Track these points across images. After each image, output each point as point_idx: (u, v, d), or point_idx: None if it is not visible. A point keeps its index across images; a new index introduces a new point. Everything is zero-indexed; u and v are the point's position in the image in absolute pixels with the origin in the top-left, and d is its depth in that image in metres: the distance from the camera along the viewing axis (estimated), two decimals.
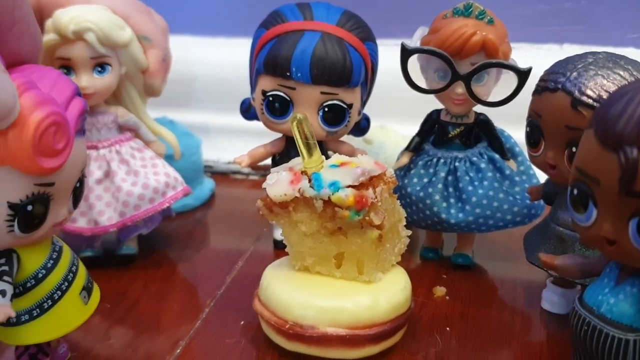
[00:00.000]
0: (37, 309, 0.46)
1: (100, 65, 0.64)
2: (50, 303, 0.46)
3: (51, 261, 0.47)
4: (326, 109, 0.64)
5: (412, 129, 0.69)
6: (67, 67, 0.64)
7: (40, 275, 0.46)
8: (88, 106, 0.64)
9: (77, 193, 0.47)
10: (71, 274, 0.48)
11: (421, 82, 0.65)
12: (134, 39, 0.66)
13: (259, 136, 0.71)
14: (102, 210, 0.65)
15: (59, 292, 0.47)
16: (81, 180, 0.47)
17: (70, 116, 0.43)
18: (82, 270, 0.50)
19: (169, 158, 0.72)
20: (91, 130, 0.66)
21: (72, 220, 0.65)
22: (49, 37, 0.62)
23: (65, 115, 0.42)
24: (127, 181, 0.66)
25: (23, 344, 0.48)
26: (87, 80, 0.63)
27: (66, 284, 0.47)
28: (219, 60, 0.97)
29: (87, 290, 0.50)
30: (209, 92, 0.99)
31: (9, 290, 0.43)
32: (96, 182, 0.66)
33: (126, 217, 0.65)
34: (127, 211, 0.65)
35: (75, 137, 0.44)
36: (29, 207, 0.43)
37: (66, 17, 0.62)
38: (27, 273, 0.46)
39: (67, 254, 0.49)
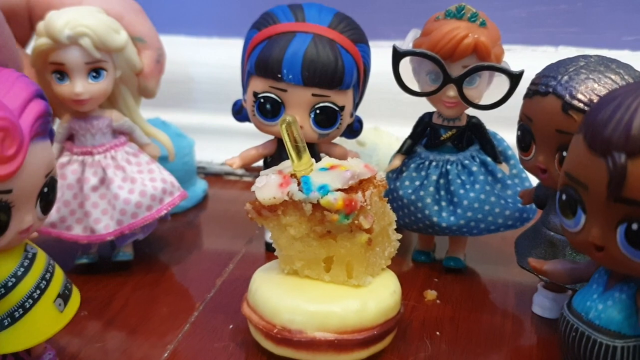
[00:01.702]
0: (8, 318, 0.45)
1: (96, 70, 0.62)
2: (21, 312, 0.45)
3: (22, 269, 0.45)
4: (318, 111, 0.64)
5: (405, 131, 0.69)
6: (61, 72, 0.61)
7: (10, 283, 0.45)
8: (85, 109, 0.63)
9: (47, 199, 0.45)
10: (44, 282, 0.47)
11: (413, 85, 0.65)
12: (129, 42, 0.64)
13: (253, 137, 0.71)
14: (99, 218, 0.64)
15: (30, 301, 0.45)
16: (49, 185, 0.45)
17: (25, 121, 0.42)
18: (57, 277, 0.48)
19: (163, 160, 0.71)
20: (85, 136, 0.65)
21: (67, 227, 0.64)
22: (41, 42, 0.60)
23: (15, 120, 0.41)
24: (124, 188, 0.64)
25: None
26: (83, 85, 0.61)
27: (38, 292, 0.46)
28: (213, 60, 0.97)
29: (64, 297, 0.48)
30: (203, 92, 0.99)
31: None
32: (92, 189, 0.64)
33: (124, 226, 0.64)
34: (124, 219, 0.64)
35: (33, 142, 0.42)
36: None
37: (60, 22, 0.59)
38: None
39: (40, 260, 0.47)
